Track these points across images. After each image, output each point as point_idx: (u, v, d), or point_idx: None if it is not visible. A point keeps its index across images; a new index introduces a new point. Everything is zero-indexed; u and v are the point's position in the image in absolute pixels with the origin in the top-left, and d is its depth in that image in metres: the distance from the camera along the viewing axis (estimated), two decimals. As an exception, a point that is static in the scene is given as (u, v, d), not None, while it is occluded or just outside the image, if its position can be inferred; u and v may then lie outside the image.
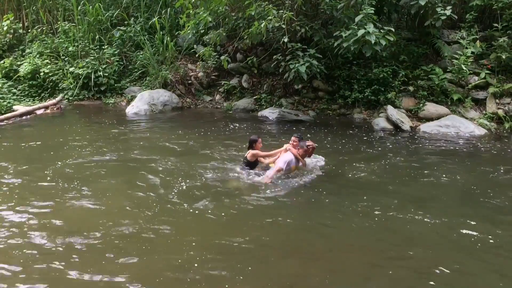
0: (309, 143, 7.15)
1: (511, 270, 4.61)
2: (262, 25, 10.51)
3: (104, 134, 10.06)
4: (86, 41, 14.85)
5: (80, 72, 13.76)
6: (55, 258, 4.64)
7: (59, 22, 15.58)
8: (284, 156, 7.08)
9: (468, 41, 11.58)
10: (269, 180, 6.83)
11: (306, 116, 11.94)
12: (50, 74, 13.96)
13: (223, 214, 5.80)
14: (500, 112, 11.00)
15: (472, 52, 11.37)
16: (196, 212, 5.83)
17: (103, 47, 14.68)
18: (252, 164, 7.31)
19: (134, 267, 4.51)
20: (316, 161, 7.73)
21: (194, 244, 5.00)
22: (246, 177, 7.05)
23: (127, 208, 5.93)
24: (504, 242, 5.16)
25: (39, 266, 4.51)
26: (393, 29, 10.38)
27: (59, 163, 7.75)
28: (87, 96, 13.88)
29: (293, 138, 7.43)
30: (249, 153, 7.29)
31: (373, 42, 9.88)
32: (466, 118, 11.01)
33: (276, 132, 10.58)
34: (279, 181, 6.90)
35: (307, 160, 7.40)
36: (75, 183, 6.79)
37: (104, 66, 14.06)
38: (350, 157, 8.37)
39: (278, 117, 11.64)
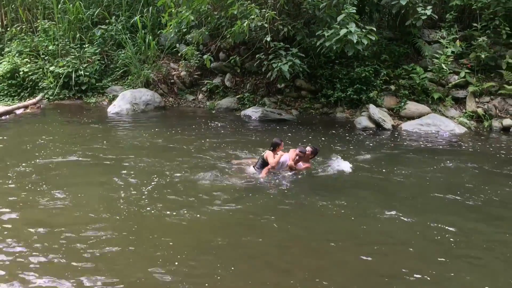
0: (300, 149, 7.40)
1: (482, 269, 4.67)
2: (245, 24, 10.49)
3: (83, 133, 9.92)
4: (66, 40, 14.65)
5: (60, 71, 13.57)
6: (21, 264, 4.48)
7: (38, 21, 15.33)
8: (281, 157, 7.35)
9: (448, 41, 11.72)
10: (264, 175, 7.13)
11: (289, 115, 11.96)
12: (29, 73, 13.73)
13: (201, 214, 5.76)
14: (480, 110, 11.17)
15: (452, 52, 11.53)
16: (174, 211, 5.77)
17: (84, 46, 14.49)
18: (266, 165, 7.37)
19: (110, 270, 4.43)
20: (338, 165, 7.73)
21: (172, 244, 4.95)
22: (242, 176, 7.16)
23: (100, 209, 5.82)
24: (477, 240, 5.22)
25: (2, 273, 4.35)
26: (374, 29, 10.45)
27: (31, 162, 7.58)
28: (67, 95, 13.70)
29: (308, 148, 7.55)
30: (265, 153, 7.42)
31: (355, 41, 9.94)
32: (447, 117, 11.16)
33: (259, 131, 10.58)
34: (266, 182, 6.97)
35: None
36: (45, 183, 6.61)
37: (85, 65, 13.89)
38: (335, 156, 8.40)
39: (261, 116, 11.63)
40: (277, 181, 7.06)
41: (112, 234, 5.17)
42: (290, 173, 7.30)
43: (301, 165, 7.45)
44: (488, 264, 4.79)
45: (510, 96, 11.30)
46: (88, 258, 4.60)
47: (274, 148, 7.44)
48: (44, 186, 6.54)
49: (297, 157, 7.30)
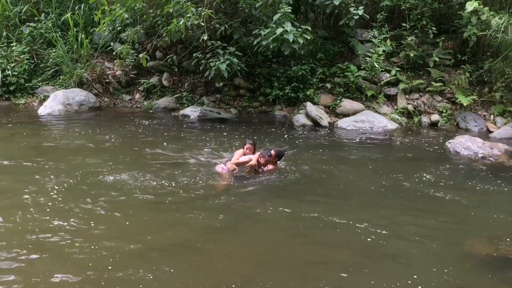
0: (262, 153, 7.28)
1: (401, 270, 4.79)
2: (181, 23, 10.37)
3: (7, 136, 9.41)
4: (-9, 38, 13.87)
5: (-15, 71, 12.82)
6: None
7: (-40, 17, 14.39)
8: (244, 157, 7.33)
9: (379, 40, 12.16)
10: (225, 171, 7.23)
11: (228, 114, 11.95)
12: (-49, 74, 12.86)
13: (135, 214, 5.70)
14: (410, 107, 11.69)
15: (384, 51, 11.96)
16: (105, 213, 5.66)
17: (11, 44, 13.74)
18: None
19: (32, 277, 4.25)
20: None
21: (100, 246, 4.82)
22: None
23: (17, 213, 5.56)
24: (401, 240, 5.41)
25: None
26: (310, 28, 10.66)
27: None
28: (-6, 96, 12.97)
29: (247, 146, 7.55)
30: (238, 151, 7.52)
31: (291, 40, 10.11)
32: (380, 113, 11.58)
33: (198, 130, 10.51)
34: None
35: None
36: None
37: (12, 65, 13.18)
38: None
39: (200, 115, 11.53)
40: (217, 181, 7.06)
41: (36, 236, 4.96)
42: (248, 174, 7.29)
43: (267, 167, 7.35)
44: (404, 252, 5.05)
45: (437, 93, 11.93)
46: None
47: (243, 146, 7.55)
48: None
49: (262, 161, 7.20)
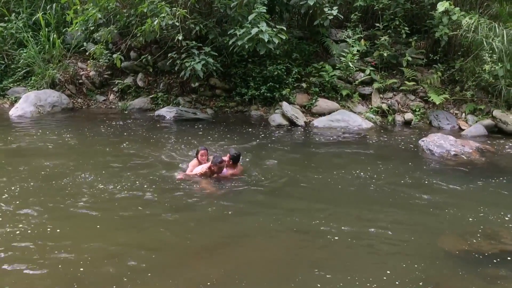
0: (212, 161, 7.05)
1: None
2: (155, 23, 10.29)
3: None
4: (-40, 38, 13.50)
5: (-47, 72, 12.49)
6: None
7: None
8: (197, 169, 7.16)
9: (353, 40, 12.28)
10: (181, 176, 7.10)
11: (204, 114, 11.91)
12: None
13: (103, 217, 5.67)
14: (384, 106, 11.84)
15: (358, 50, 12.08)
16: (76, 215, 5.63)
17: (-20, 44, 13.44)
18: None
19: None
20: None
21: (67, 250, 4.77)
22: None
23: None
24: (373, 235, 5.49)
25: None
26: (285, 28, 10.73)
27: None
28: (-38, 98, 12.65)
29: (201, 152, 7.40)
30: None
31: (266, 40, 10.14)
32: (355, 112, 11.69)
33: (173, 131, 10.44)
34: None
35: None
36: None
37: (-18, 66, 12.89)
38: (248, 155, 8.48)
39: (176, 116, 11.46)
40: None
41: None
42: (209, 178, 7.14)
43: (225, 171, 7.14)
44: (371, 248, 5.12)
45: (411, 92, 12.12)
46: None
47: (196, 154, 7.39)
48: None
49: (215, 169, 6.99)
